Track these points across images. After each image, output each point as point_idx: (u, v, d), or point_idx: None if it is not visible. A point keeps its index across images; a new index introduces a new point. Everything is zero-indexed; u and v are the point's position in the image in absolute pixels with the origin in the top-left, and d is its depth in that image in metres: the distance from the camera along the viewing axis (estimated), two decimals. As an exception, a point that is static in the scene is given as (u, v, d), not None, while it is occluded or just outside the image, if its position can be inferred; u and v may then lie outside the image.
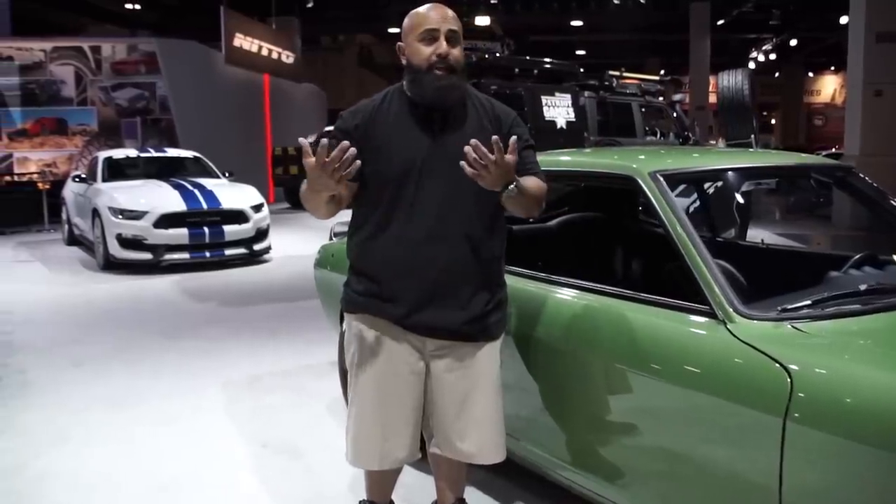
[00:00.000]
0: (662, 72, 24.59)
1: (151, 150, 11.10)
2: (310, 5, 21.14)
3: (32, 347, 5.39)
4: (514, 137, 2.03)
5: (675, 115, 11.72)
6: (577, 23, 25.27)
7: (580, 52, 30.05)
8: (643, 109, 11.49)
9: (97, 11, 22.62)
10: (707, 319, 2.07)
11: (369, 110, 2.26)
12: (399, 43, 2.24)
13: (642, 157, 2.68)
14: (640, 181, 2.41)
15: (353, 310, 2.35)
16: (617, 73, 11.82)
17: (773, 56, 26.87)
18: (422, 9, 2.21)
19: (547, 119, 9.86)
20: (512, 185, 2.04)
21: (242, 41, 17.35)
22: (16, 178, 15.01)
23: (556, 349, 2.49)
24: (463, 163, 1.95)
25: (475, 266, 2.24)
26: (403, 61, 2.24)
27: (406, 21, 2.22)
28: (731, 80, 8.53)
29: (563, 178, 2.87)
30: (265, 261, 9.25)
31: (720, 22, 22.93)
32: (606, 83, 11.15)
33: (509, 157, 1.97)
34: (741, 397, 1.87)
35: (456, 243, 2.21)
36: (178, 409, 4.08)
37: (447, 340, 2.26)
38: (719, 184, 3.95)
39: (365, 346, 2.31)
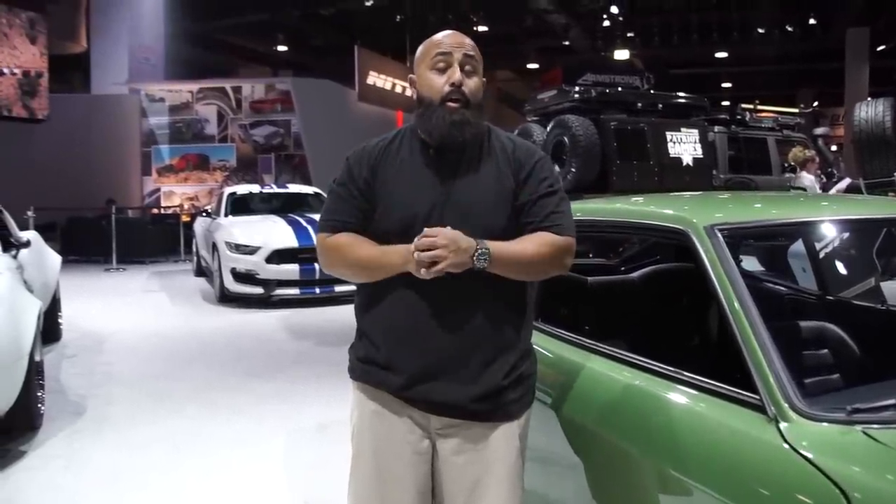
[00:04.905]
0: (815, 104, 23.05)
1: (273, 186, 11.45)
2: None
3: (125, 379, 5.50)
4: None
5: (817, 150, 10.75)
6: (721, 54, 24.21)
7: (726, 85, 28.74)
8: (796, 145, 10.63)
9: (249, 54, 24.06)
10: (756, 414, 1.64)
11: (375, 153, 2.01)
12: (411, 75, 1.98)
13: (701, 206, 2.24)
14: (693, 237, 1.99)
15: (353, 377, 2.09)
16: (750, 107, 11.03)
17: (944, 84, 24.50)
18: (436, 35, 1.95)
19: (672, 156, 9.26)
20: (480, 254, 1.76)
21: (376, 79, 17.77)
22: (162, 210, 16.01)
23: (602, 438, 2.09)
24: (423, 271, 1.75)
25: (491, 332, 1.91)
26: (414, 95, 1.97)
27: (418, 49, 1.96)
28: (870, 111, 7.63)
29: (607, 231, 2.48)
30: (374, 298, 9.16)
31: (880, 48, 21.16)
32: (738, 117, 10.41)
33: (446, 231, 1.75)
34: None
35: (468, 305, 1.89)
36: (235, 456, 3.96)
37: (455, 419, 1.94)
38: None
39: (364, 420, 2.03)
